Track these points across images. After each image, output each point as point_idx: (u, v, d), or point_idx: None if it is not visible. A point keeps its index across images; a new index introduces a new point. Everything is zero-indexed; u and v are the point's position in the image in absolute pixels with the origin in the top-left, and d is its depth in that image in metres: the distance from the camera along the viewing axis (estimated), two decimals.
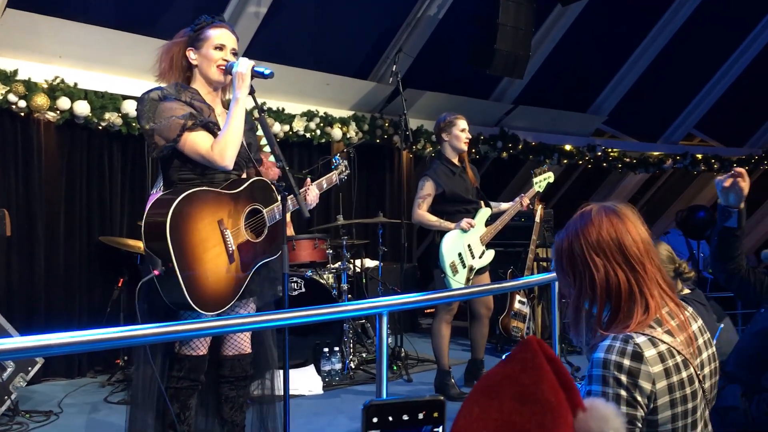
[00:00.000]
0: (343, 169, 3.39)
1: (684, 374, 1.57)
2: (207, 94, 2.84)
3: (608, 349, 1.56)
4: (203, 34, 2.80)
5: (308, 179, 3.15)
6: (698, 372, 1.61)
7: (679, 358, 1.58)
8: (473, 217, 4.71)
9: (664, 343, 1.58)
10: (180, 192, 2.63)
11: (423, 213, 4.63)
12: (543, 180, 4.91)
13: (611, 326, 1.63)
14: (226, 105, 2.91)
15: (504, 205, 4.92)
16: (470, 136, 4.79)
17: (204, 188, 2.71)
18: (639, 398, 1.52)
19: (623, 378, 1.52)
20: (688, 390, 1.57)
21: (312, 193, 3.09)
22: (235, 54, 2.85)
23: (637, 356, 1.54)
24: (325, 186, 3.23)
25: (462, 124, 4.71)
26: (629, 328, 1.59)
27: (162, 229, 2.53)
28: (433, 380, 4.83)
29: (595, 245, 1.65)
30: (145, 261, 2.66)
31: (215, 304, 2.68)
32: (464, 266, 4.59)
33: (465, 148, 4.74)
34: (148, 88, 2.81)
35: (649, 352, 1.55)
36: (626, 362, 1.53)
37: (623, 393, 1.52)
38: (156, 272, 2.55)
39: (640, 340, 1.56)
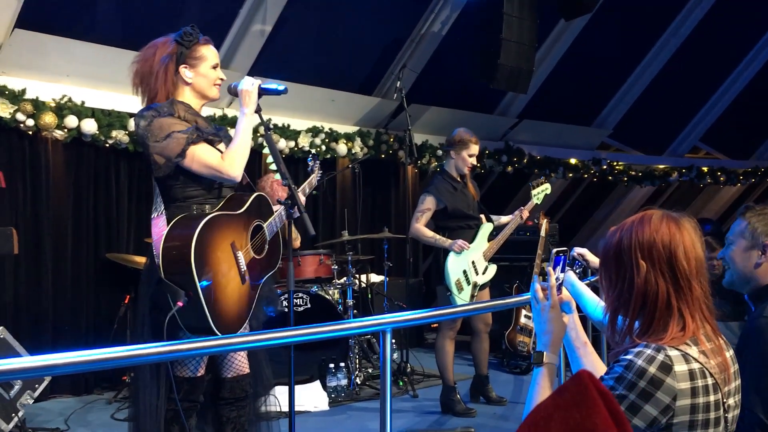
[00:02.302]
0: (316, 169, 3.49)
1: (711, 398, 1.53)
2: (195, 108, 2.86)
3: (638, 353, 1.53)
4: (197, 53, 2.80)
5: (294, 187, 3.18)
6: (725, 400, 1.57)
7: (710, 381, 1.54)
8: (476, 233, 4.72)
9: (698, 362, 1.54)
10: (195, 218, 2.61)
11: (420, 227, 4.64)
12: (540, 192, 4.90)
13: (644, 336, 1.59)
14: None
15: (504, 219, 4.92)
16: (476, 163, 4.80)
17: (217, 213, 2.70)
18: (647, 408, 1.49)
19: (640, 384, 1.49)
20: (712, 415, 1.53)
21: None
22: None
23: (666, 368, 1.50)
24: (308, 190, 3.33)
25: (474, 149, 4.71)
26: (663, 341, 1.55)
27: (186, 260, 2.51)
28: (438, 396, 4.82)
29: (644, 247, 1.60)
30: (143, 284, 2.65)
31: (234, 327, 2.69)
32: (469, 283, 4.59)
33: (467, 172, 4.76)
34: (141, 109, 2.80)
35: (680, 368, 1.52)
36: (651, 370, 1.50)
37: (631, 396, 1.49)
38: (180, 303, 2.51)
39: (673, 353, 1.53)
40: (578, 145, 8.65)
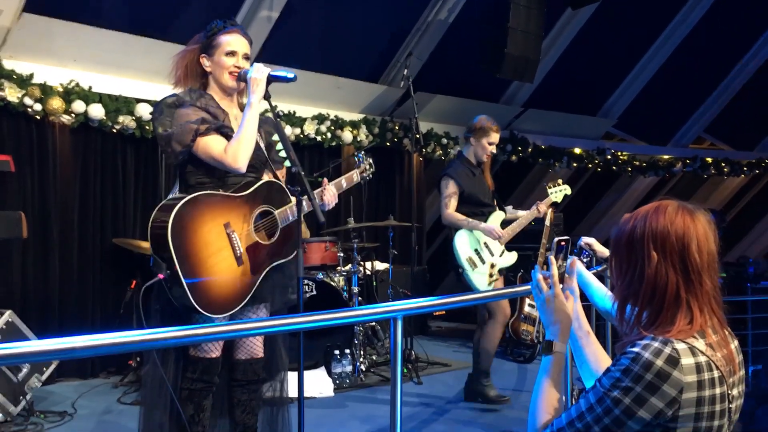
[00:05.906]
0: (367, 167, 3.31)
1: (717, 390, 1.54)
2: (222, 99, 2.86)
3: (645, 346, 1.53)
4: (215, 41, 2.80)
5: (325, 179, 3.09)
6: (729, 392, 1.57)
7: (716, 373, 1.54)
8: (485, 220, 4.73)
9: (704, 355, 1.54)
10: (185, 196, 2.65)
11: (451, 212, 4.62)
12: (560, 192, 4.90)
13: (651, 327, 1.59)
14: (242, 108, 2.94)
15: (521, 212, 4.93)
16: (495, 151, 4.80)
17: (209, 192, 2.72)
18: (653, 401, 1.49)
19: (647, 376, 1.49)
20: (717, 407, 1.54)
21: (329, 193, 3.02)
22: (247, 58, 2.85)
23: (673, 361, 1.51)
24: (344, 185, 3.14)
25: (494, 137, 4.71)
26: (670, 333, 1.55)
27: (164, 234, 2.56)
28: (442, 383, 4.83)
29: (657, 237, 1.58)
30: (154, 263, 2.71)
31: (223, 307, 2.69)
32: (483, 262, 4.60)
33: (485, 160, 4.77)
34: (163, 94, 2.83)
35: (687, 361, 1.52)
36: (658, 363, 1.50)
37: (637, 389, 1.50)
38: (161, 276, 2.60)
39: (680, 346, 1.53)
40: (583, 135, 8.65)
